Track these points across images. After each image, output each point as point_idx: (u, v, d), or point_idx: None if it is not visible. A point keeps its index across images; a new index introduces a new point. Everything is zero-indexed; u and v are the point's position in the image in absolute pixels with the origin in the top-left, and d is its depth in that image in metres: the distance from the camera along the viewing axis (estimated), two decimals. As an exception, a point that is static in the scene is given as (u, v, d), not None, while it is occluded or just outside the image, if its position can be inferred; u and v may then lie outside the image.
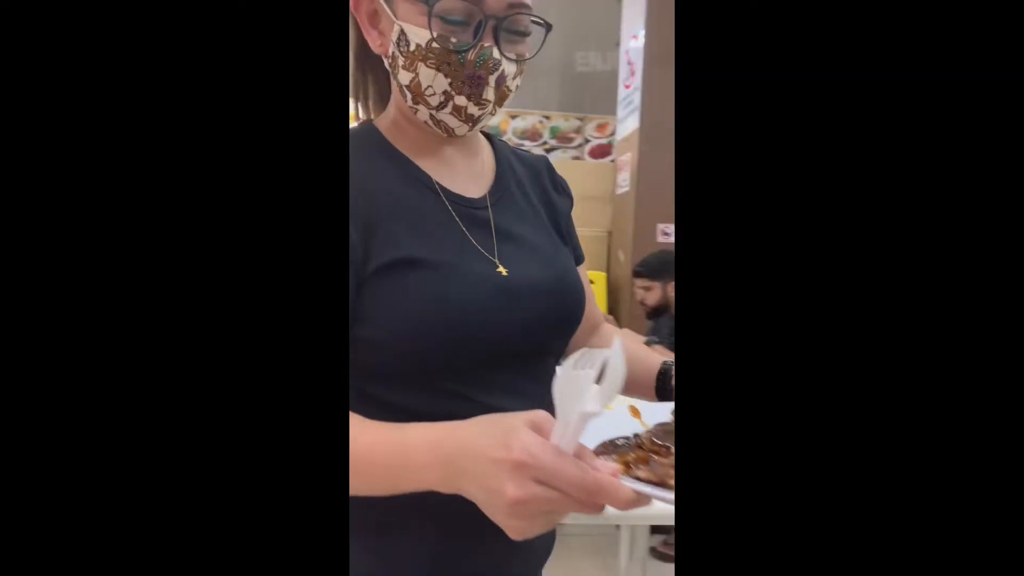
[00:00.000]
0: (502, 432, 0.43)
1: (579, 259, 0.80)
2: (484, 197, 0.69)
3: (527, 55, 0.64)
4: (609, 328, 0.88)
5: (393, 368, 0.60)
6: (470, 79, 0.60)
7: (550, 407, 0.45)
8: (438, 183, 0.66)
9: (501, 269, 0.64)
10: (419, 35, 0.59)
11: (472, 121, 0.64)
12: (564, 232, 0.76)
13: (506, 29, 0.60)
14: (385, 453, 0.50)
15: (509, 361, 0.64)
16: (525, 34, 0.63)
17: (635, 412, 0.66)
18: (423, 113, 0.64)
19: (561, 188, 0.80)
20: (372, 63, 0.71)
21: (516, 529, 0.43)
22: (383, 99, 0.73)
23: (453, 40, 0.59)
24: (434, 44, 0.59)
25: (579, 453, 0.43)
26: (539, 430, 0.43)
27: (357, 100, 0.74)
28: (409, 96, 0.63)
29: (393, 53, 0.62)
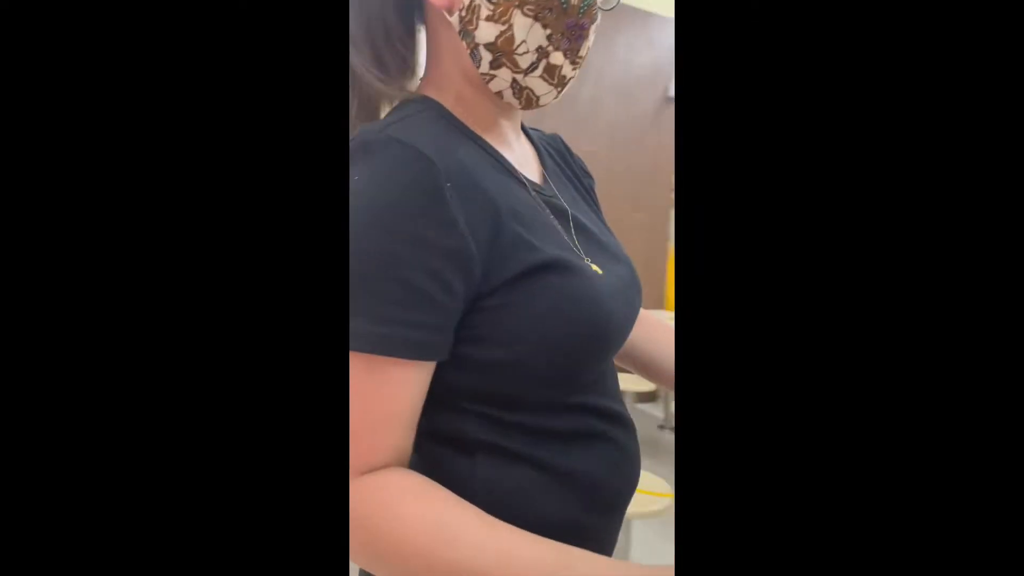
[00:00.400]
0: None
1: None
2: (547, 183, 0.61)
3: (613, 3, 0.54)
4: (645, 313, 0.78)
5: (520, 388, 0.51)
6: (570, 29, 0.51)
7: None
8: (513, 166, 0.57)
9: (596, 268, 0.56)
10: None
11: (562, 85, 0.54)
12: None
13: None
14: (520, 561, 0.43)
15: (606, 360, 0.57)
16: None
17: None
18: (502, 80, 0.53)
19: (583, 167, 0.72)
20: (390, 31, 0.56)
21: None
22: (405, 72, 0.58)
23: None
24: None
25: None
26: None
27: (379, 69, 0.56)
28: (488, 59, 0.52)
29: (472, 4, 0.51)
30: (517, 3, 0.49)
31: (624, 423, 0.58)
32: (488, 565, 0.42)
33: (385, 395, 0.45)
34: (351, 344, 0.43)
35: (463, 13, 0.52)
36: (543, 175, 0.62)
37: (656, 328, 0.77)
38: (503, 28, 0.51)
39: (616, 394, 0.59)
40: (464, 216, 0.46)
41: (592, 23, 0.52)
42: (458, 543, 0.43)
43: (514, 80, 0.53)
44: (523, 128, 0.65)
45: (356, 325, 0.43)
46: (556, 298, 0.49)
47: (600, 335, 0.52)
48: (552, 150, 0.69)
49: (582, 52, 0.53)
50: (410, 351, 0.45)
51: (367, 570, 0.47)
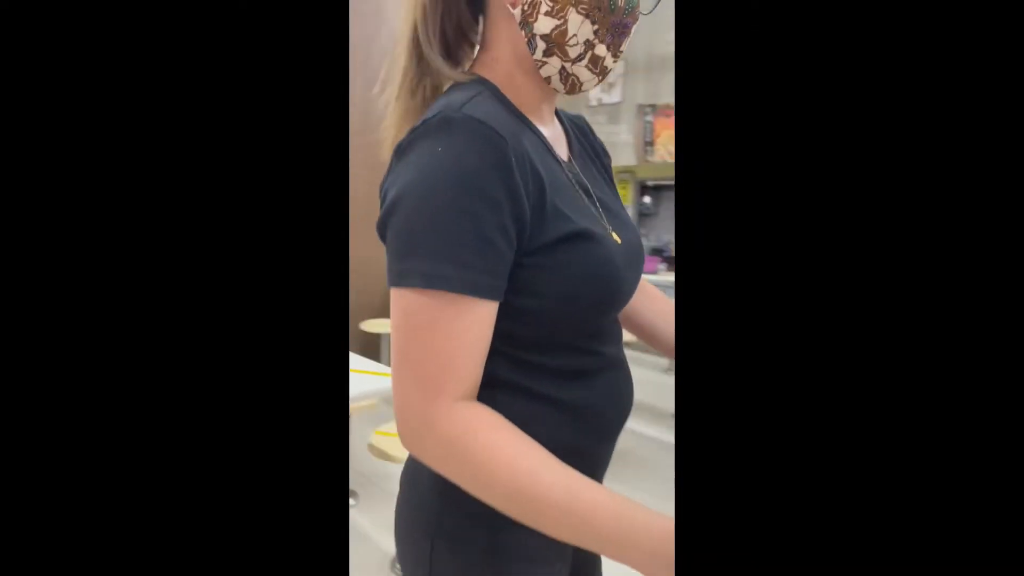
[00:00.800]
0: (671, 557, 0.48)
1: None
2: (572, 162, 0.70)
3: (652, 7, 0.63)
4: (647, 285, 0.89)
5: (544, 333, 0.61)
6: (615, 27, 0.60)
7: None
8: (550, 144, 0.65)
9: (616, 236, 0.66)
10: None
11: (603, 74, 0.63)
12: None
13: None
14: (604, 518, 0.51)
15: (616, 313, 0.68)
16: None
17: None
18: (552, 67, 0.62)
19: (603, 147, 0.80)
20: (448, 10, 0.64)
21: None
22: (451, 56, 0.66)
23: None
24: None
25: None
26: None
27: (429, 46, 0.63)
28: (542, 48, 0.61)
29: (534, 1, 0.59)
30: (573, 1, 0.58)
31: (621, 365, 0.69)
32: (559, 500, 0.51)
33: (466, 329, 0.54)
34: (431, 283, 0.52)
35: (525, 7, 0.60)
36: (570, 155, 0.70)
37: (655, 299, 0.87)
38: (559, 23, 0.59)
39: (618, 340, 0.70)
40: (524, 186, 0.55)
41: (634, 22, 0.61)
42: (537, 476, 0.52)
43: (562, 67, 0.62)
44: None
45: (440, 268, 0.52)
46: (583, 261, 0.59)
47: (615, 293, 0.62)
48: (576, 130, 0.76)
49: (623, 47, 0.62)
50: (488, 292, 0.54)
51: (455, 480, 0.55)
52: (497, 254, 0.54)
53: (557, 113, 0.72)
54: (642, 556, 0.50)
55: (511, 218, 0.54)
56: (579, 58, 0.61)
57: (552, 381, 0.62)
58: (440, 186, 0.52)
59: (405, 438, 0.55)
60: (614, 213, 0.69)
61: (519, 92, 0.64)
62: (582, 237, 0.59)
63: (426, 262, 0.52)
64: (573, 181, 0.65)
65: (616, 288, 0.62)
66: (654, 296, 0.87)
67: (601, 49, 0.61)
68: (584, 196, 0.65)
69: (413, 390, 0.53)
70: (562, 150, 0.69)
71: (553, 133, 0.68)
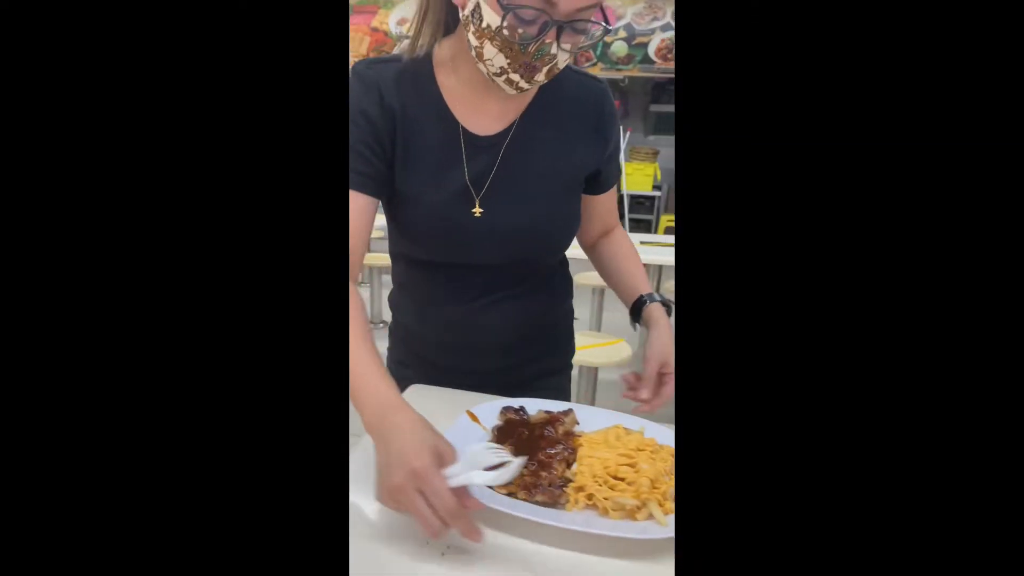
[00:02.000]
0: (421, 445, 0.60)
1: (605, 185, 0.95)
2: (501, 133, 0.83)
3: (582, 43, 0.72)
4: (620, 233, 1.05)
5: (405, 252, 0.92)
6: (525, 66, 0.71)
7: (522, 297, 0.92)
8: (463, 125, 0.82)
9: (476, 211, 0.82)
10: (491, 17, 0.68)
11: (521, 90, 0.75)
12: (593, 165, 0.88)
13: (569, 28, 0.69)
14: (366, 386, 0.68)
15: (476, 271, 0.88)
16: (585, 31, 0.71)
17: (473, 417, 0.86)
18: (481, 69, 0.75)
19: (610, 117, 0.89)
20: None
21: (382, 499, 0.61)
22: (441, 27, 0.82)
23: (520, 31, 0.68)
24: (503, 30, 0.68)
25: (458, 492, 0.58)
26: (440, 457, 0.60)
27: (420, 24, 0.81)
28: (473, 52, 0.74)
29: (467, 16, 0.72)
30: (488, 36, 0.70)
31: (470, 302, 0.91)
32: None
33: (352, 217, 0.77)
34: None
35: (464, 16, 0.72)
36: (510, 123, 0.84)
37: (626, 259, 1.02)
38: (478, 45, 0.72)
39: (481, 290, 0.91)
40: (382, 122, 0.79)
41: (546, 65, 0.71)
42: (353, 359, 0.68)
43: (487, 72, 0.74)
44: (566, 73, 0.83)
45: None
46: (400, 214, 0.85)
47: (432, 250, 0.87)
48: (571, 100, 0.86)
49: (537, 77, 0.73)
50: (355, 186, 0.78)
51: None
52: (360, 158, 0.78)
53: (549, 84, 0.79)
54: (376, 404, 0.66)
55: (372, 137, 0.78)
56: (496, 75, 0.73)
57: (412, 292, 0.94)
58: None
59: None
60: (515, 183, 0.83)
61: (456, 71, 0.81)
62: (402, 197, 0.82)
63: None
64: (467, 155, 0.81)
65: (431, 252, 0.86)
66: (615, 240, 1.04)
67: (515, 76, 0.72)
68: (472, 168, 0.81)
69: None
70: (497, 124, 0.83)
71: (499, 107, 0.82)
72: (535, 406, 0.92)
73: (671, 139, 5.04)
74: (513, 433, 0.83)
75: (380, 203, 0.84)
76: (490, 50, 0.70)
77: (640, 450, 0.78)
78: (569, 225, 0.90)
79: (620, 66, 5.11)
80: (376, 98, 0.78)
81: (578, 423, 0.89)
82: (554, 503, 0.71)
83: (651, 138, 5.49)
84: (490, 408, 0.91)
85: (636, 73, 5.11)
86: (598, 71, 5.24)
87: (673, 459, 0.80)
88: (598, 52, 4.33)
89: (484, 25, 0.69)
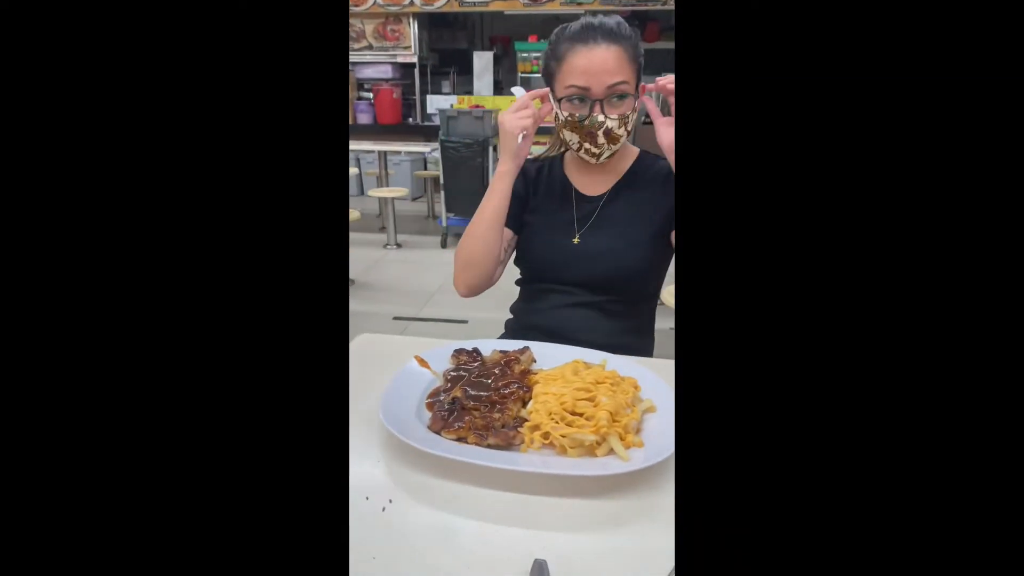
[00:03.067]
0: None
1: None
2: (603, 195, 1.13)
3: (628, 113, 1.00)
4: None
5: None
6: (587, 135, 1.02)
7: (603, 308, 1.11)
8: (576, 189, 1.15)
9: (575, 239, 1.11)
10: (559, 111, 1.02)
11: (597, 157, 1.05)
12: (666, 222, 1.10)
13: (607, 101, 0.99)
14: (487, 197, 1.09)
15: (571, 290, 1.11)
16: (624, 98, 0.99)
17: (422, 362, 0.82)
18: (572, 151, 1.09)
19: (662, 180, 1.13)
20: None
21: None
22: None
23: (577, 114, 1.00)
24: (569, 118, 1.01)
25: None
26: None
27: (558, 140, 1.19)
28: (566, 139, 1.07)
29: (556, 121, 1.06)
30: (563, 125, 1.04)
31: (565, 307, 1.13)
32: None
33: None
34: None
35: (556, 124, 1.08)
36: (608, 188, 1.13)
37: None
38: (561, 133, 1.07)
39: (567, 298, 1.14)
40: (524, 183, 1.16)
41: (599, 131, 1.01)
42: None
43: (573, 151, 1.09)
44: (641, 160, 1.15)
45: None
46: (522, 240, 1.17)
47: (537, 268, 1.15)
48: (652, 175, 1.13)
49: (600, 142, 1.03)
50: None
51: (470, 273, 1.12)
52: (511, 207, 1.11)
53: (638, 163, 1.14)
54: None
55: (516, 197, 1.12)
56: (577, 149, 1.06)
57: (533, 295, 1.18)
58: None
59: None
60: (617, 227, 1.10)
61: (573, 159, 1.15)
62: (525, 224, 1.16)
63: None
64: (576, 208, 1.13)
65: (540, 265, 1.13)
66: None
67: (587, 145, 1.04)
68: (578, 215, 1.12)
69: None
70: (600, 188, 1.13)
71: (602, 178, 1.14)
72: (489, 346, 0.87)
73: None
74: (464, 377, 0.77)
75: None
76: (567, 134, 1.04)
77: (600, 383, 0.73)
78: (648, 260, 1.09)
79: (581, 0, 4.93)
80: (521, 177, 1.13)
81: (535, 361, 0.83)
82: (508, 445, 0.66)
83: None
84: (441, 352, 0.85)
85: (598, 7, 4.93)
86: (556, 7, 5.05)
87: (636, 391, 0.76)
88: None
89: (561, 120, 1.03)
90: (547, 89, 1.05)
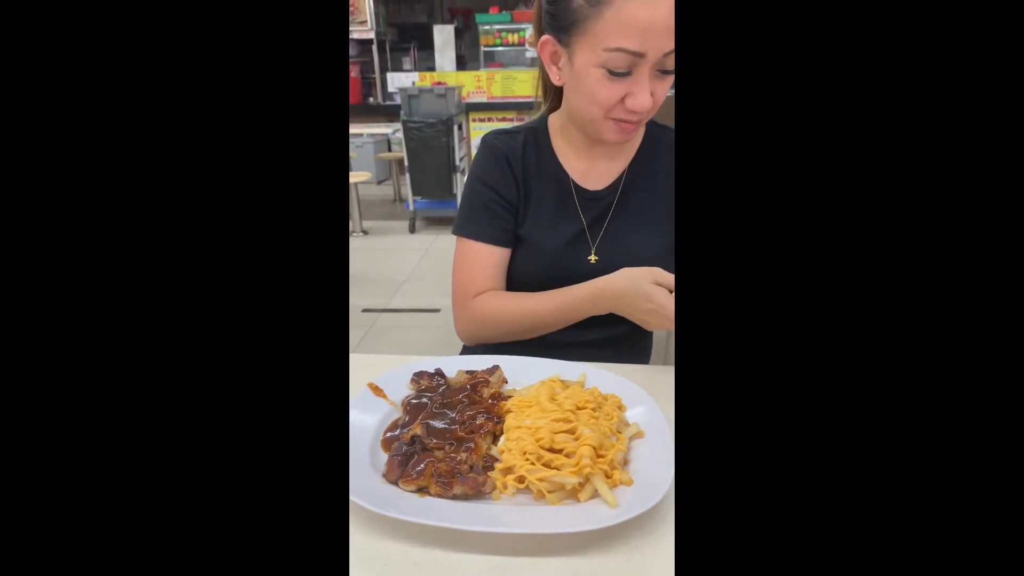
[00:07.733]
0: (643, 292, 0.75)
1: None
2: (610, 187, 0.91)
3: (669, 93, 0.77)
4: None
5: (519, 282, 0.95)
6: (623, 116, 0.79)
7: (614, 325, 0.89)
8: (574, 182, 0.91)
9: (592, 257, 0.90)
10: (587, 79, 0.75)
11: (619, 143, 0.85)
12: None
13: (658, 71, 0.73)
14: (554, 307, 0.86)
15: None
16: (669, 74, 0.74)
17: (377, 390, 0.72)
18: (580, 126, 0.86)
19: (666, 168, 0.94)
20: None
21: (649, 323, 0.77)
22: (559, 101, 0.93)
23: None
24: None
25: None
26: (661, 280, 0.75)
27: (546, 96, 0.98)
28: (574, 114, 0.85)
29: (566, 85, 0.83)
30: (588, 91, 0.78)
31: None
32: (546, 303, 0.86)
33: (472, 259, 0.92)
34: (458, 232, 0.93)
35: (565, 87, 0.86)
36: (614, 180, 0.91)
37: None
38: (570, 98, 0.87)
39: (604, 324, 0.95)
40: (515, 182, 0.92)
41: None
42: (529, 300, 0.88)
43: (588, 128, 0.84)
44: (651, 134, 0.93)
45: (460, 224, 0.93)
46: (517, 255, 0.93)
47: (540, 285, 0.90)
48: (656, 146, 0.93)
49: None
50: (480, 237, 0.91)
51: (485, 339, 0.93)
52: (492, 215, 0.91)
53: (647, 139, 0.93)
54: (586, 294, 0.83)
55: (502, 197, 0.91)
56: (597, 128, 0.81)
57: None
58: (468, 178, 0.95)
59: (456, 325, 0.93)
60: (623, 233, 0.90)
61: (566, 136, 0.92)
62: (520, 240, 0.92)
63: (458, 220, 0.94)
64: (582, 207, 0.90)
65: (540, 287, 0.89)
66: None
67: (617, 129, 0.81)
68: (587, 218, 0.90)
69: (454, 296, 0.93)
70: (605, 179, 0.91)
71: (606, 163, 0.91)
72: (454, 365, 0.77)
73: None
74: (426, 407, 0.67)
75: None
76: (590, 109, 0.79)
77: (580, 408, 0.64)
78: (672, 263, 0.84)
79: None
80: (506, 167, 0.91)
81: (507, 381, 0.74)
82: (477, 493, 0.57)
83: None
84: (397, 375, 0.75)
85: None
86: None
87: (620, 411, 0.67)
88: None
89: (574, 79, 0.79)
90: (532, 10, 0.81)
